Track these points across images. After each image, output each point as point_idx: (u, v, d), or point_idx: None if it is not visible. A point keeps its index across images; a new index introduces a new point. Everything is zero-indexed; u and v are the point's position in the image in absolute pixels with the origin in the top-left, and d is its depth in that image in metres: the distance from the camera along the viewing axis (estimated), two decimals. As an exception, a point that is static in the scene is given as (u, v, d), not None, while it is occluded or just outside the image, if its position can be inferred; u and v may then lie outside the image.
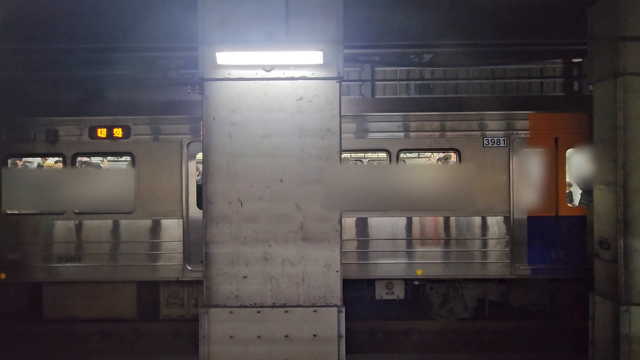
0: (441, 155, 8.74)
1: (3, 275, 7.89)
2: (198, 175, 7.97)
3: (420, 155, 9.78)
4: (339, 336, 5.78)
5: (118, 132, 7.97)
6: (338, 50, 5.76)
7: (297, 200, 5.78)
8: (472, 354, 7.93)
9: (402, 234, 7.94)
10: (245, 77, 5.78)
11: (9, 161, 8.20)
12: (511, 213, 7.89)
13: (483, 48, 8.27)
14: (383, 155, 8.35)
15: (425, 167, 8.79)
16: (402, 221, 7.94)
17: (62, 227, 7.93)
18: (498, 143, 7.94)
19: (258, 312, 5.79)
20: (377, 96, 12.26)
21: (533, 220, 7.92)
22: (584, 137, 7.78)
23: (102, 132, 7.97)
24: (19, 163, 8.84)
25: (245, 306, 5.81)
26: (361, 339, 8.16)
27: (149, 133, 8.01)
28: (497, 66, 11.89)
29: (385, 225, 7.93)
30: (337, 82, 5.79)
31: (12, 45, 7.23)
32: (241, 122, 5.78)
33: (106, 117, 8.04)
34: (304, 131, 5.77)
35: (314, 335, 5.77)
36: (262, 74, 5.78)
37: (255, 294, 5.81)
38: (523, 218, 7.92)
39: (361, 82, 12.16)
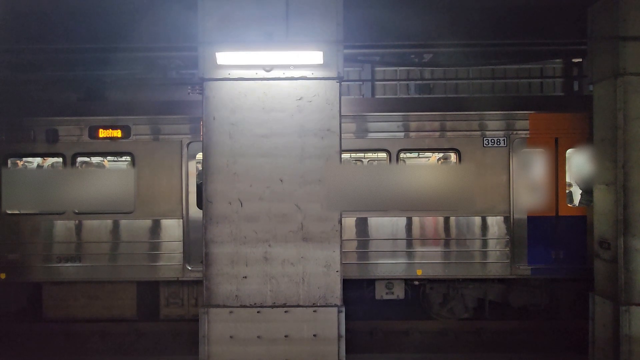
0: (440, 155, 8.73)
1: (3, 275, 7.89)
2: (198, 175, 7.98)
3: (420, 155, 9.77)
4: (339, 336, 5.77)
5: (118, 132, 7.97)
6: (338, 50, 5.75)
7: (297, 200, 5.78)
8: (472, 354, 7.92)
9: (402, 234, 7.94)
10: (245, 77, 5.78)
11: (9, 161, 8.20)
12: (511, 213, 7.89)
13: (483, 48, 8.26)
14: (383, 155, 8.35)
15: (425, 167, 8.78)
16: (402, 221, 7.94)
17: (62, 227, 7.93)
18: (498, 143, 7.94)
19: (258, 312, 5.79)
20: (377, 96, 12.25)
21: (533, 220, 7.92)
22: (584, 137, 7.78)
23: (102, 132, 7.97)
24: (19, 163, 8.83)
25: (245, 306, 5.80)
26: (361, 339, 8.16)
27: (149, 133, 8.02)
28: (497, 66, 11.87)
29: (385, 225, 7.93)
30: (337, 82, 5.79)
31: (12, 45, 7.23)
32: (241, 122, 5.78)
33: (106, 117, 8.04)
34: (304, 131, 5.77)
35: (314, 335, 5.77)
36: (262, 74, 5.78)
37: (255, 294, 5.81)
38: (523, 218, 7.92)
39: (361, 82, 12.14)
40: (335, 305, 5.80)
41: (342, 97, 5.90)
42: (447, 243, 7.94)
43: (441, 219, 7.95)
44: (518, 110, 8.03)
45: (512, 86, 12.28)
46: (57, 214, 7.91)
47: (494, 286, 8.28)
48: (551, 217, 7.95)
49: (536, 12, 7.31)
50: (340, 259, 5.82)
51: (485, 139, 7.94)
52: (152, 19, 7.11)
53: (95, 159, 8.93)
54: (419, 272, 7.92)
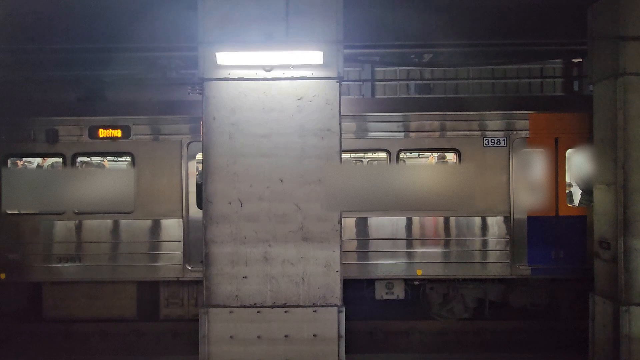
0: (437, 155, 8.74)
1: (3, 275, 7.89)
2: (198, 175, 7.97)
3: (420, 155, 9.77)
4: (339, 336, 5.78)
5: (118, 132, 7.97)
6: (338, 50, 5.76)
7: (297, 200, 5.78)
8: (472, 354, 7.92)
9: (402, 234, 7.93)
10: (245, 77, 5.78)
11: (9, 161, 8.20)
12: (511, 213, 7.89)
13: (483, 48, 8.25)
14: (383, 155, 8.35)
15: (425, 167, 8.78)
16: (402, 221, 7.94)
17: (62, 227, 7.92)
18: (498, 143, 7.93)
19: (258, 312, 5.79)
20: (377, 96, 12.25)
21: (533, 220, 7.91)
22: (584, 137, 7.77)
23: (102, 132, 7.97)
24: (19, 163, 8.83)
25: (245, 306, 5.81)
26: (361, 339, 8.15)
27: (149, 133, 8.01)
28: (497, 66, 11.88)
29: (385, 225, 7.93)
30: (337, 82, 5.79)
31: (12, 45, 7.23)
32: (241, 122, 5.78)
33: (106, 117, 8.03)
34: (304, 131, 5.77)
35: (314, 335, 5.77)
36: (262, 74, 5.78)
37: (255, 294, 5.81)
38: (523, 218, 7.91)
39: (361, 82, 12.13)
40: (335, 305, 5.80)
41: (342, 97, 5.90)
42: (447, 243, 7.93)
43: (441, 219, 7.95)
44: (518, 110, 8.02)
45: (512, 86, 12.28)
46: (57, 214, 7.90)
47: (494, 286, 8.28)
48: (551, 217, 7.95)
49: (536, 12, 7.31)
50: (340, 259, 5.83)
51: (485, 139, 7.94)
52: (152, 19, 7.11)
53: (95, 159, 8.93)
54: (419, 272, 7.92)
